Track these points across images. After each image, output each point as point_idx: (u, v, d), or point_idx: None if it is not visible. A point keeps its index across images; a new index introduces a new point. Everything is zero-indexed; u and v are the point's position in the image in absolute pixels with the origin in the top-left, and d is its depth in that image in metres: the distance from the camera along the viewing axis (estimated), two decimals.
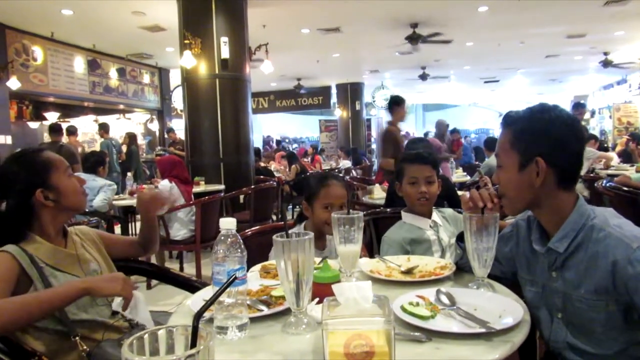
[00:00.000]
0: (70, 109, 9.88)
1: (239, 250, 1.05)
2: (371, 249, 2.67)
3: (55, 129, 6.98)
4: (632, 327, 1.07)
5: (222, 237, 1.06)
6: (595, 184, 4.53)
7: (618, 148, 8.83)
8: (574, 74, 14.38)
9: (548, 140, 1.13)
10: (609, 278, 1.05)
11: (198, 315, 0.56)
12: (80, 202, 1.52)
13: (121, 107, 10.36)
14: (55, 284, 1.36)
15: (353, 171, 9.21)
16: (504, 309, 1.09)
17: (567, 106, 7.43)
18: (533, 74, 14.30)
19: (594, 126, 15.12)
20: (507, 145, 1.18)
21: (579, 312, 1.12)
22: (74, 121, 10.10)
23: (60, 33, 7.92)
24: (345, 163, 10.20)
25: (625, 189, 3.60)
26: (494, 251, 1.24)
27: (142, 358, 0.48)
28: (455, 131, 8.96)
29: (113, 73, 9.60)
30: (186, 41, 5.76)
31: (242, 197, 5.62)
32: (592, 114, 15.81)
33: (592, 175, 5.71)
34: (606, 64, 11.04)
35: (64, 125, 7.45)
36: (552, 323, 1.20)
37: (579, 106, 7.29)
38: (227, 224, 1.07)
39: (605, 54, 10.89)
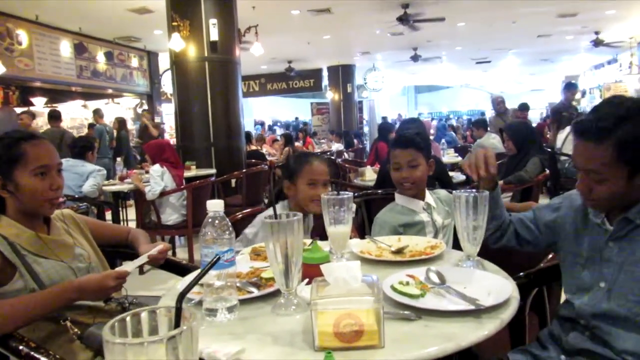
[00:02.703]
0: (57, 94, 9.71)
1: (227, 232, 1.04)
2: (363, 230, 2.67)
3: (54, 116, 6.88)
4: None
5: (210, 220, 1.05)
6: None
7: None
8: (565, 54, 14.36)
9: None
10: None
11: (181, 296, 0.55)
12: (37, 207, 1.41)
13: (110, 91, 10.19)
14: (39, 270, 1.35)
15: (345, 154, 9.20)
16: (493, 286, 1.09)
17: (558, 86, 7.46)
18: (525, 54, 14.26)
19: (585, 106, 15.13)
20: (611, 160, 1.07)
21: (626, 279, 1.14)
22: (62, 106, 9.96)
23: (45, 16, 7.74)
24: (338, 146, 10.17)
25: None
26: (484, 229, 1.24)
27: (123, 340, 0.47)
28: (524, 108, 7.90)
29: (101, 57, 9.43)
30: (174, 23, 5.66)
31: (233, 181, 5.61)
32: (583, 94, 15.83)
33: None
34: (597, 43, 11.02)
35: (46, 110, 7.34)
36: (587, 293, 1.20)
37: (570, 86, 7.28)
38: (215, 205, 1.06)
39: (597, 33, 10.86)
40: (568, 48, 13.20)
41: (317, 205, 1.90)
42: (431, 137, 7.03)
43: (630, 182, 1.09)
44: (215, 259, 0.76)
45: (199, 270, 1.16)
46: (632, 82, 12.11)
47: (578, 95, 14.55)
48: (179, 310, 0.53)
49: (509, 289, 1.06)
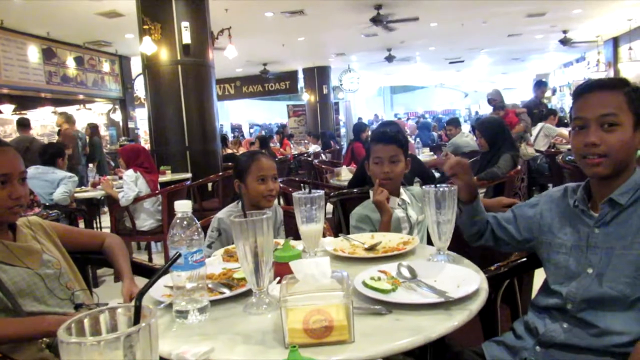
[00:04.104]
0: (26, 100, 9.44)
1: (196, 233, 1.03)
2: (340, 230, 2.68)
3: (23, 124, 6.71)
4: None
5: (178, 220, 1.04)
6: (556, 158, 4.68)
7: None
8: (535, 52, 14.70)
9: None
10: None
11: (140, 295, 0.54)
12: None
13: (81, 97, 9.98)
14: (5, 278, 1.31)
15: (322, 155, 9.21)
16: (463, 278, 1.11)
17: (530, 85, 7.57)
18: (496, 53, 14.54)
19: (555, 104, 15.52)
20: (624, 104, 1.18)
21: (617, 262, 1.16)
22: (31, 113, 9.71)
23: (11, 21, 7.54)
24: (315, 147, 10.18)
25: None
26: (453, 224, 1.26)
27: (78, 339, 0.46)
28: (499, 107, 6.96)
29: (70, 62, 9.22)
30: (145, 27, 5.58)
31: (210, 184, 5.56)
32: (554, 91, 16.23)
33: (552, 150, 5.89)
34: (565, 42, 11.31)
35: (15, 118, 7.15)
36: (573, 280, 1.22)
37: (541, 84, 7.45)
38: (182, 206, 1.05)
39: (564, 32, 11.14)
40: (538, 47, 13.52)
41: (269, 200, 1.92)
42: (414, 137, 7.03)
43: (633, 136, 1.18)
44: (175, 257, 0.75)
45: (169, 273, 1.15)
46: None
47: (548, 93, 14.91)
48: (138, 309, 0.52)
49: (478, 280, 1.07)
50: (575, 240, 1.26)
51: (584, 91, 1.22)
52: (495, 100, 6.22)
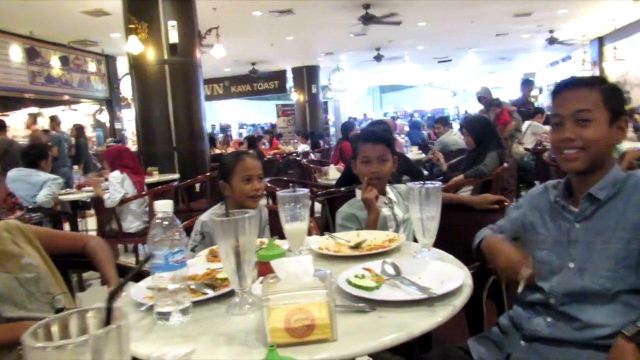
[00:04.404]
0: (8, 101, 9.29)
1: (177, 233, 1.01)
2: (327, 229, 2.67)
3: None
4: (639, 272, 1.13)
5: (158, 220, 1.02)
6: (542, 156, 4.72)
7: None
8: (523, 52, 14.81)
9: (624, 102, 1.27)
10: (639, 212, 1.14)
11: (111, 296, 0.53)
12: None
13: (66, 97, 9.85)
14: None
15: (312, 155, 9.20)
16: (448, 275, 1.10)
17: (517, 84, 7.62)
18: (484, 52, 14.63)
19: (542, 102, 15.66)
20: (598, 101, 1.21)
21: (597, 257, 1.18)
22: (14, 114, 9.57)
23: None
24: (304, 147, 10.16)
25: None
26: (438, 220, 1.26)
27: (43, 343, 0.44)
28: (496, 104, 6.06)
29: (55, 62, 9.10)
30: (131, 26, 5.53)
31: (198, 185, 5.52)
32: (540, 90, 16.38)
33: (539, 148, 5.94)
34: (552, 41, 11.41)
35: None
36: (556, 275, 1.23)
37: (527, 83, 7.51)
38: (163, 206, 1.03)
39: (551, 31, 11.24)
40: (525, 46, 13.63)
41: (255, 201, 1.91)
42: (403, 136, 7.00)
43: (609, 131, 1.21)
44: (147, 257, 0.73)
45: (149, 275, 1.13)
46: None
47: (535, 92, 15.05)
48: (109, 311, 0.50)
49: (462, 277, 1.07)
50: (557, 236, 1.27)
51: (560, 89, 1.26)
52: (486, 97, 6.17)
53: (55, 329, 0.49)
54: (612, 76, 11.50)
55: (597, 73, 11.97)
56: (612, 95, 1.22)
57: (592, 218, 1.22)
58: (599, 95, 1.21)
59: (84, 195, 4.42)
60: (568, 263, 1.23)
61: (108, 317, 0.50)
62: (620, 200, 1.19)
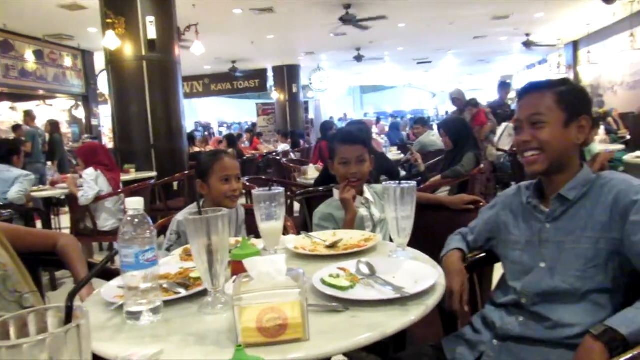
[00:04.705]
0: None
1: (148, 231, 1.00)
2: (305, 229, 2.66)
3: None
4: (607, 272, 1.15)
5: (129, 218, 1.00)
6: (518, 157, 4.80)
7: None
8: (500, 54, 15.06)
9: (587, 102, 1.29)
10: (608, 212, 1.16)
11: (72, 295, 0.51)
12: None
13: (41, 92, 9.61)
14: None
15: (292, 154, 9.17)
16: (421, 274, 1.11)
17: (495, 86, 7.73)
18: (463, 54, 14.82)
19: None
20: (552, 104, 1.24)
21: (567, 256, 1.19)
22: None
23: None
24: (284, 146, 10.13)
25: None
26: (413, 220, 1.26)
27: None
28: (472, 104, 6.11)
29: (29, 55, 8.87)
30: (108, 20, 5.43)
31: (176, 183, 5.45)
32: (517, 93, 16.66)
33: (515, 149, 6.03)
34: (528, 44, 11.64)
35: None
36: (527, 275, 1.25)
37: (505, 85, 7.63)
38: (134, 203, 1.01)
39: (527, 35, 11.46)
40: (502, 49, 13.86)
41: (233, 201, 1.89)
42: (383, 136, 7.01)
43: (565, 132, 1.23)
44: (113, 254, 0.72)
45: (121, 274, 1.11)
46: None
47: (512, 94, 15.30)
48: (69, 309, 0.49)
49: (435, 276, 1.08)
50: (529, 236, 1.29)
51: (520, 95, 1.32)
52: (459, 99, 6.22)
53: (13, 328, 0.47)
54: (586, 80, 11.78)
55: (571, 76, 12.25)
56: (568, 97, 1.25)
57: (562, 218, 1.24)
58: (552, 97, 1.24)
59: (57, 192, 4.32)
60: (539, 263, 1.24)
61: (68, 316, 0.49)
62: (589, 201, 1.21)
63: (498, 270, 1.54)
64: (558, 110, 1.23)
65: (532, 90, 1.30)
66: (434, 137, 5.94)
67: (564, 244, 1.21)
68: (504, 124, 6.47)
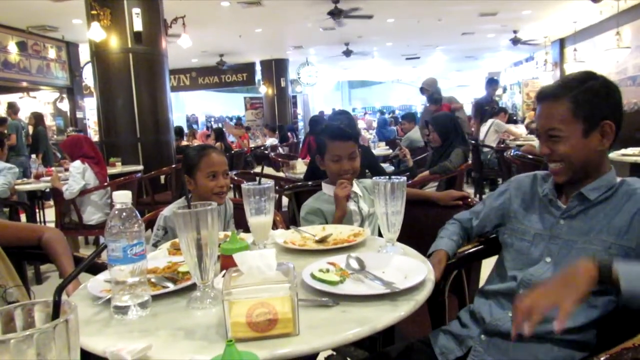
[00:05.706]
0: None
1: (136, 225, 0.98)
2: (294, 223, 2.66)
3: None
4: None
5: (117, 212, 0.98)
6: (505, 154, 4.85)
7: (527, 121, 9.48)
8: (488, 51, 15.14)
9: (608, 103, 1.18)
10: (628, 220, 1.13)
11: (59, 289, 0.50)
12: None
13: (24, 84, 9.42)
14: None
15: (280, 148, 9.15)
16: (411, 269, 1.11)
17: (482, 82, 7.79)
18: (451, 51, 14.87)
19: (505, 101, 16.09)
20: (567, 115, 1.17)
21: (575, 256, 1.18)
22: None
23: None
24: (272, 140, 10.10)
25: (530, 156, 3.89)
26: (402, 215, 1.26)
27: None
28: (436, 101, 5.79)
29: (12, 47, 8.68)
30: (93, 12, 5.35)
31: (163, 177, 5.40)
32: (504, 89, 16.81)
33: (502, 146, 6.10)
34: (515, 41, 11.71)
35: None
36: (530, 267, 1.25)
37: (492, 82, 7.69)
38: (121, 197, 0.99)
39: (515, 32, 11.53)
40: (490, 46, 13.93)
41: (220, 197, 1.88)
42: (371, 132, 7.00)
43: (586, 142, 1.18)
44: (101, 248, 0.71)
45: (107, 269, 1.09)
46: (546, 79, 13.01)
47: (500, 91, 15.42)
48: (57, 304, 0.48)
49: (424, 271, 1.08)
50: (539, 229, 1.29)
51: (538, 101, 1.26)
52: (429, 90, 5.90)
53: None
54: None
55: (557, 74, 12.36)
56: (586, 103, 1.17)
57: (578, 217, 1.23)
58: (568, 106, 1.18)
59: (41, 185, 4.26)
60: (545, 257, 1.25)
61: (56, 310, 0.48)
62: (610, 205, 1.19)
63: (486, 267, 1.55)
64: (574, 121, 1.17)
65: (546, 98, 1.23)
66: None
67: (575, 244, 1.20)
68: (490, 120, 6.53)
